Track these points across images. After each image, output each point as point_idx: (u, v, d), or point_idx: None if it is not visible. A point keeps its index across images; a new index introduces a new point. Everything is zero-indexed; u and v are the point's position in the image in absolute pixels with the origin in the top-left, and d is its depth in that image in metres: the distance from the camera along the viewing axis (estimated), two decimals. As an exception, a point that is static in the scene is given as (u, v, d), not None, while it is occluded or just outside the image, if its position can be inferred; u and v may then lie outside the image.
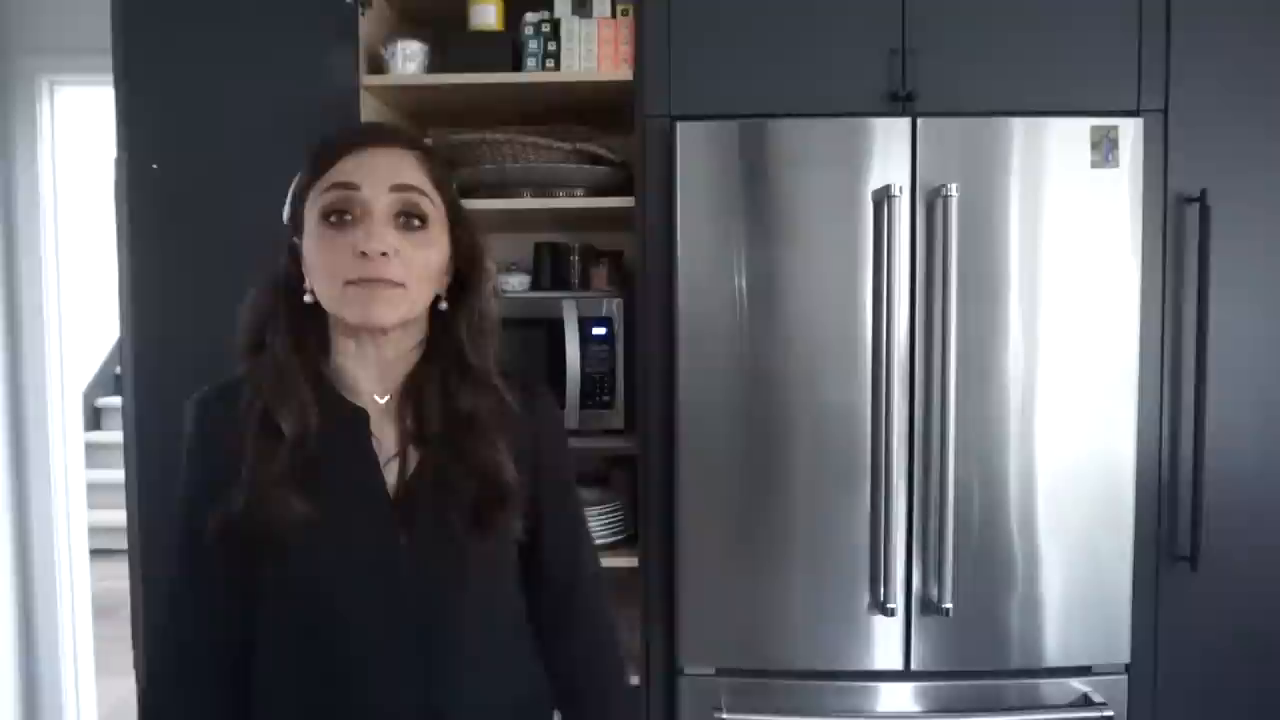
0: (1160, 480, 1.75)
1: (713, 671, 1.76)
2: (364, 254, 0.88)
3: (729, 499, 1.74)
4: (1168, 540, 1.76)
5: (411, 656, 0.95)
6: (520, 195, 1.93)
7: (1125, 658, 1.73)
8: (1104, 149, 1.68)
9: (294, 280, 0.95)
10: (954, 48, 1.73)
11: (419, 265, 0.93)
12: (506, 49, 1.89)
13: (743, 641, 1.76)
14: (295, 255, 0.95)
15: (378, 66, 1.89)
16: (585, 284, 2.10)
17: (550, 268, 2.12)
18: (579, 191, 1.94)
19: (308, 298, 0.94)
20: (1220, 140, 1.72)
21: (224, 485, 0.90)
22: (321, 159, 0.93)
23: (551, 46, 1.87)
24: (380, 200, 0.90)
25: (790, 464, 1.73)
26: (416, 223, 0.93)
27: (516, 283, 2.08)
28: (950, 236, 1.65)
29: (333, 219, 0.90)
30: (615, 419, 1.95)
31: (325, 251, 0.91)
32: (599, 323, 1.94)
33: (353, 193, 0.90)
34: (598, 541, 1.88)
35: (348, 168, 0.91)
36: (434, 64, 1.91)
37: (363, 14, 1.83)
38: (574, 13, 1.88)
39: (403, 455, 0.96)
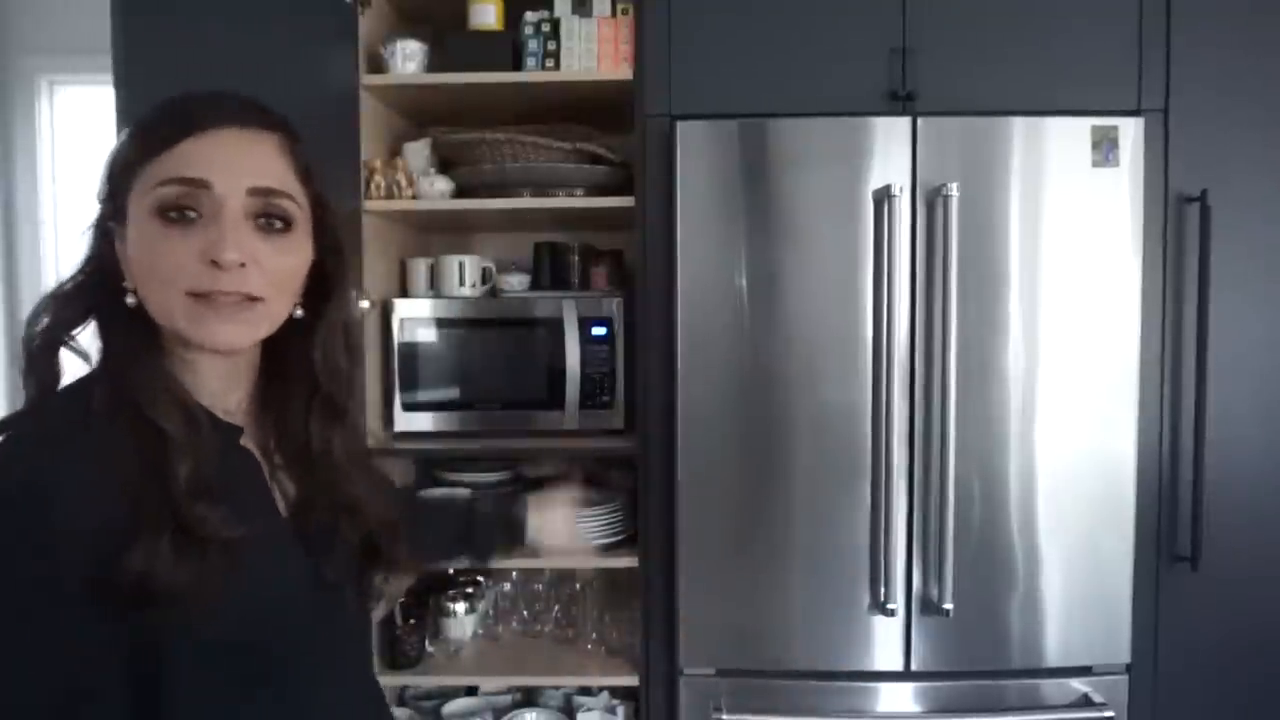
0: (1160, 480, 1.75)
1: (713, 672, 1.76)
2: (215, 263, 0.73)
3: (729, 499, 1.74)
4: (1168, 540, 1.76)
5: (360, 706, 0.88)
6: (520, 195, 1.93)
7: (1125, 658, 1.73)
8: (1104, 149, 1.67)
9: (111, 274, 0.77)
10: (954, 48, 1.73)
11: (281, 275, 0.78)
12: (506, 48, 1.89)
13: (743, 642, 1.76)
14: (111, 242, 0.78)
15: (377, 66, 1.89)
16: (585, 284, 2.10)
17: (550, 267, 2.13)
18: (579, 191, 1.94)
19: (130, 300, 0.76)
20: (1220, 140, 1.72)
21: (113, 532, 0.68)
22: (156, 137, 0.75)
23: (551, 46, 1.86)
24: (235, 200, 0.74)
25: (790, 464, 1.73)
26: (279, 224, 0.77)
27: (516, 282, 2.08)
28: (950, 236, 1.65)
29: (172, 215, 0.73)
30: (615, 419, 1.95)
31: (161, 255, 0.73)
32: (599, 323, 1.94)
33: (200, 190, 0.73)
34: (598, 542, 1.90)
35: (191, 155, 0.74)
36: (434, 63, 1.90)
37: (362, 13, 1.83)
38: (574, 12, 1.88)
39: (279, 482, 0.85)
